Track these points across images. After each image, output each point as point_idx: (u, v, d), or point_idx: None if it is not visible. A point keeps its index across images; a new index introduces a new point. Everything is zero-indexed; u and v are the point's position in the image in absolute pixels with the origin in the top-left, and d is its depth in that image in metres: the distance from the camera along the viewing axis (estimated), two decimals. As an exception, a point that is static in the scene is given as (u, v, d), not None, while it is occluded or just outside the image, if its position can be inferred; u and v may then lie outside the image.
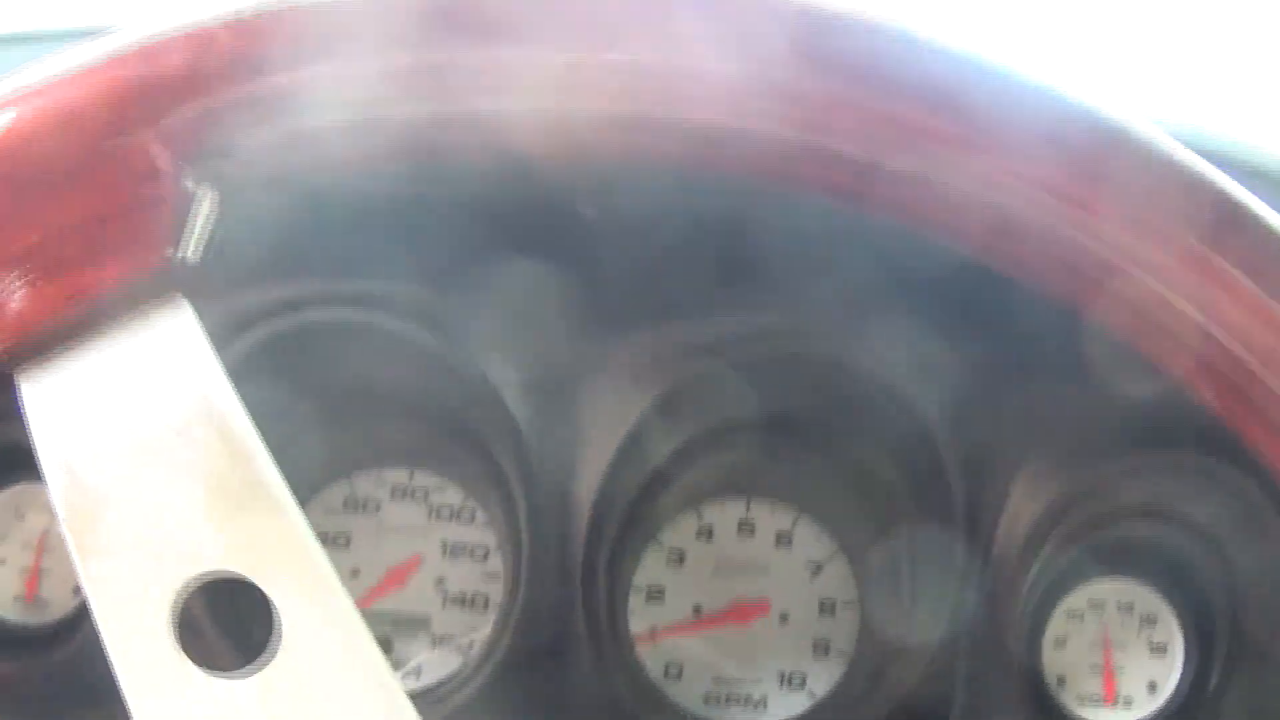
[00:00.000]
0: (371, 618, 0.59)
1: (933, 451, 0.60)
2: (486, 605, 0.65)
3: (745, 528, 0.67)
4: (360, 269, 0.57)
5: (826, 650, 0.67)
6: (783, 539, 0.67)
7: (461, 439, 0.63)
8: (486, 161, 0.39)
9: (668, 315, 0.59)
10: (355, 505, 0.65)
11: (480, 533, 0.66)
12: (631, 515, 0.64)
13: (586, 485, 0.60)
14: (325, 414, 0.62)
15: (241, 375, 0.34)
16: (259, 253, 0.48)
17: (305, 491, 0.64)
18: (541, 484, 0.60)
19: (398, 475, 0.65)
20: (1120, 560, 0.66)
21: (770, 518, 0.67)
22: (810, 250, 0.55)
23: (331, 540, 0.65)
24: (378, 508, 0.66)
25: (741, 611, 0.66)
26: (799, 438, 0.64)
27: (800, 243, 0.54)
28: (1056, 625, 0.66)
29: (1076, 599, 0.66)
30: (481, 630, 0.64)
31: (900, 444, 0.61)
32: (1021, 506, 0.61)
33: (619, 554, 0.65)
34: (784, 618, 0.67)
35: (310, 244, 0.53)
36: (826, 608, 0.67)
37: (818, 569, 0.67)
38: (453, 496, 0.66)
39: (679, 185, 0.40)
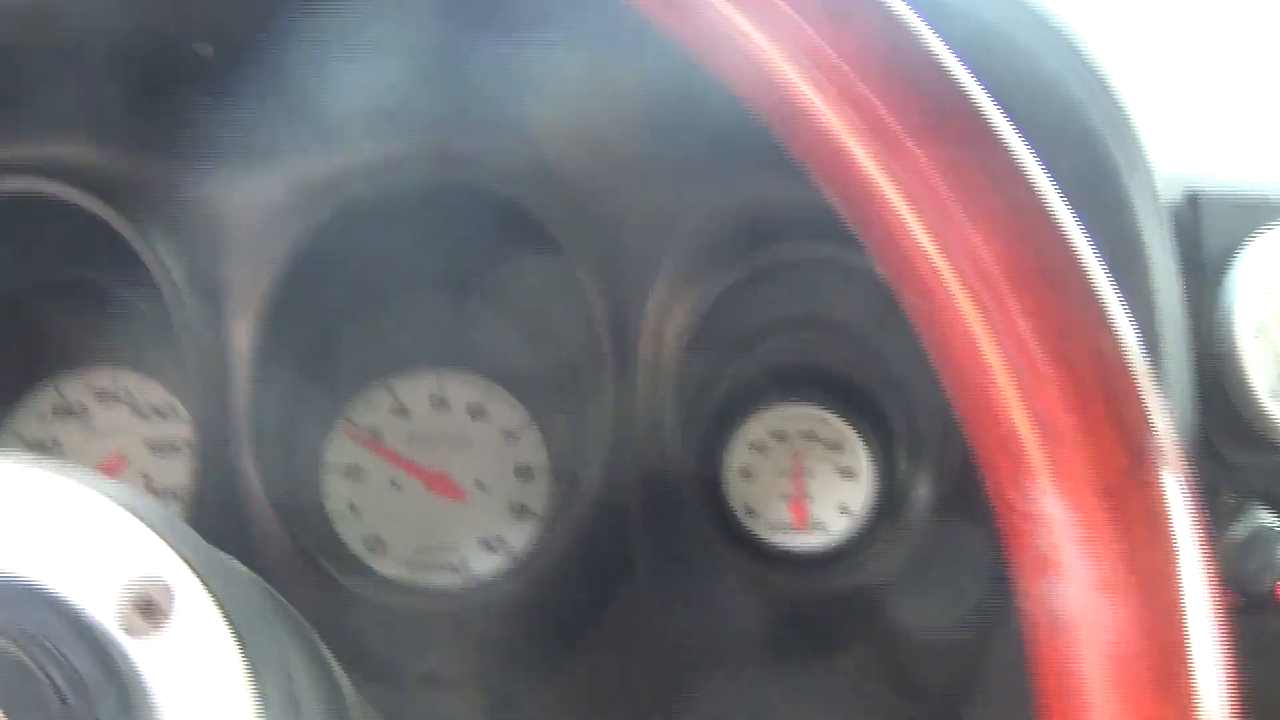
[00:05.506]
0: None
1: (570, 274, 0.62)
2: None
3: (438, 402, 0.69)
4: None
5: (523, 513, 0.68)
6: (476, 410, 0.69)
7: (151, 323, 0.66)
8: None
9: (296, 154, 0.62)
10: (64, 411, 0.68)
11: (181, 427, 0.68)
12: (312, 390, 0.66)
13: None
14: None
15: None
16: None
17: (9, 396, 0.68)
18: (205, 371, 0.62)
19: (100, 378, 0.68)
20: (795, 387, 0.66)
21: (461, 390, 0.69)
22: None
23: (41, 446, 0.68)
24: (85, 411, 0.69)
25: (438, 484, 0.68)
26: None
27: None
28: (739, 456, 0.66)
29: (755, 429, 0.66)
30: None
31: (545, 277, 0.63)
32: (663, 319, 0.62)
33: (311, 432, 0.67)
34: (481, 485, 0.68)
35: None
36: (522, 473, 0.68)
37: (512, 437, 0.68)
38: (155, 395, 0.68)
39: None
